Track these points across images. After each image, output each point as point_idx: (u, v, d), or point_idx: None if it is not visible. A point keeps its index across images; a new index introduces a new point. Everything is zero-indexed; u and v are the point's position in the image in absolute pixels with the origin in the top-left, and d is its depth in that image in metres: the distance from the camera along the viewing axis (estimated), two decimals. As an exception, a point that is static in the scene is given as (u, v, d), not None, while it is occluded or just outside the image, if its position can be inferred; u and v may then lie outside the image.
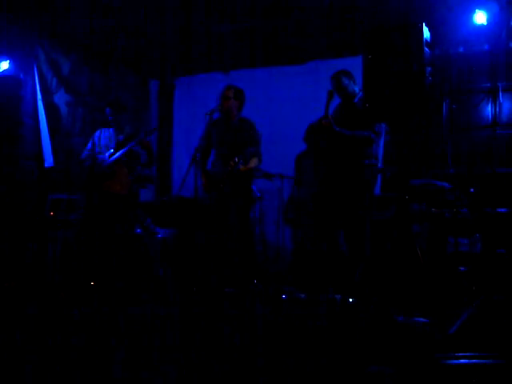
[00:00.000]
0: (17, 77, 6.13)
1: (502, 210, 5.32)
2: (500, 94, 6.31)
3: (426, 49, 4.05)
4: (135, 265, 5.59)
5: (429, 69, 4.07)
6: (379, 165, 4.92)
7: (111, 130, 5.68)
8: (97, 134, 5.70)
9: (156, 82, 8.23)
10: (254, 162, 5.11)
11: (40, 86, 6.38)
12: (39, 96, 6.35)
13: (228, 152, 5.11)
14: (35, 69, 6.34)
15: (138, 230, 5.78)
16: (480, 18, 5.93)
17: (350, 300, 4.47)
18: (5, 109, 6.02)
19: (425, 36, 4.04)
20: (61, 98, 6.62)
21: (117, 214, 5.46)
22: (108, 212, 5.42)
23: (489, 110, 6.38)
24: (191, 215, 5.43)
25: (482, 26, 5.98)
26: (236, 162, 4.88)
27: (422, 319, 3.73)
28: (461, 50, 6.44)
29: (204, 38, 6.87)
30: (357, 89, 4.87)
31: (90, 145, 5.66)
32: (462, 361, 2.49)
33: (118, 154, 5.46)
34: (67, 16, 6.11)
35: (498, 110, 6.32)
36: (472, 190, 5.42)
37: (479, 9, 5.91)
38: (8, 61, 6.01)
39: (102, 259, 5.26)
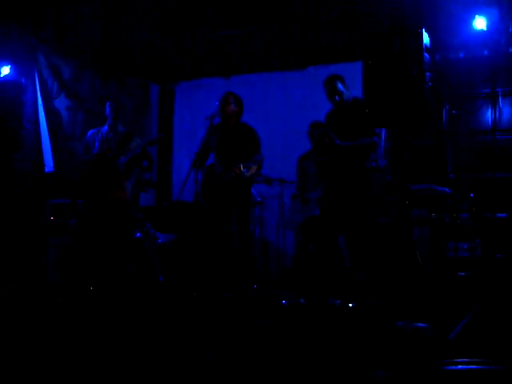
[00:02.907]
0: (18, 82, 6.15)
1: (502, 214, 5.33)
2: (500, 99, 6.32)
3: (426, 54, 4.06)
4: (135, 270, 5.58)
5: (428, 74, 4.08)
6: (381, 164, 4.88)
7: (104, 129, 5.58)
8: (89, 135, 5.60)
9: (156, 86, 8.24)
10: (255, 169, 5.14)
11: (41, 91, 6.39)
12: (40, 101, 6.37)
13: (229, 157, 5.12)
14: (36, 74, 6.35)
15: (138, 235, 5.77)
16: (480, 23, 5.95)
17: (350, 305, 4.47)
18: (6, 113, 6.03)
19: (424, 41, 4.05)
20: (61, 103, 6.63)
21: (119, 220, 5.39)
22: (110, 218, 5.34)
23: (488, 115, 6.39)
24: (191, 220, 5.43)
25: (482, 31, 5.99)
26: (241, 169, 4.89)
27: (421, 324, 3.72)
28: (461, 55, 6.45)
29: (205, 43, 6.90)
30: (350, 94, 4.81)
31: (83, 150, 5.56)
32: (461, 366, 2.49)
33: (123, 159, 5.39)
34: (68, 21, 6.13)
35: (497, 115, 6.33)
36: (472, 195, 5.43)
37: (479, 14, 5.93)
38: (9, 66, 6.03)
39: (102, 264, 5.26)
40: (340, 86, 4.71)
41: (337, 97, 4.70)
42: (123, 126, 5.68)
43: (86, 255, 5.25)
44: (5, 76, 6.03)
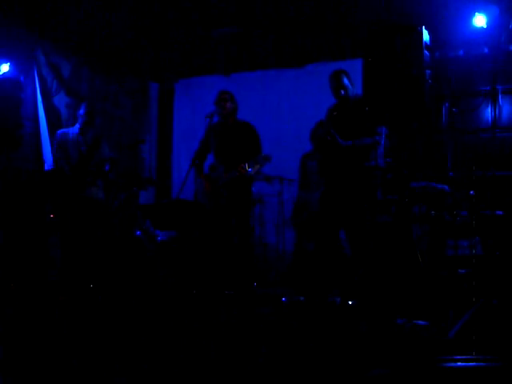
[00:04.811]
0: (17, 79, 6.14)
1: (502, 212, 5.33)
2: (499, 96, 6.32)
3: (426, 52, 4.06)
4: (135, 267, 5.58)
5: (428, 72, 4.08)
6: (380, 163, 4.86)
7: (74, 131, 5.58)
8: (59, 135, 5.59)
9: (156, 84, 8.23)
10: (259, 167, 5.16)
11: (40, 89, 6.38)
12: (39, 98, 6.35)
13: (229, 156, 5.13)
14: (35, 71, 6.34)
15: (138, 233, 5.77)
16: (480, 21, 5.94)
17: (350, 302, 4.47)
18: (5, 111, 6.02)
19: (424, 39, 4.05)
20: (61, 101, 6.62)
21: (95, 218, 5.40)
22: (87, 217, 5.34)
23: (488, 112, 6.39)
24: (191, 218, 5.43)
25: (482, 29, 5.98)
26: (246, 169, 4.92)
27: (421, 322, 3.73)
28: (460, 53, 6.45)
29: (204, 41, 6.89)
30: (354, 90, 4.80)
31: (55, 149, 5.54)
32: (460, 364, 2.49)
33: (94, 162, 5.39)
34: (67, 19, 6.13)
35: (497, 112, 6.32)
36: (472, 192, 5.42)
37: (479, 12, 5.92)
38: (8, 63, 6.02)
39: (102, 262, 5.26)
40: (346, 80, 4.69)
41: (342, 91, 4.66)
42: (94, 129, 5.67)
43: (76, 253, 5.25)
44: (4, 73, 6.01)
